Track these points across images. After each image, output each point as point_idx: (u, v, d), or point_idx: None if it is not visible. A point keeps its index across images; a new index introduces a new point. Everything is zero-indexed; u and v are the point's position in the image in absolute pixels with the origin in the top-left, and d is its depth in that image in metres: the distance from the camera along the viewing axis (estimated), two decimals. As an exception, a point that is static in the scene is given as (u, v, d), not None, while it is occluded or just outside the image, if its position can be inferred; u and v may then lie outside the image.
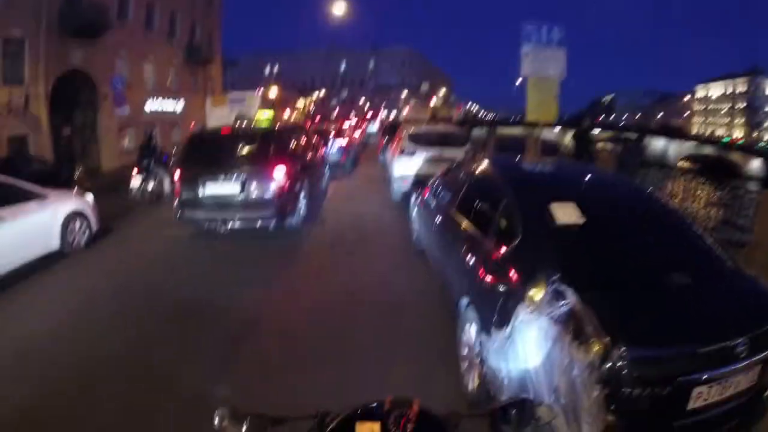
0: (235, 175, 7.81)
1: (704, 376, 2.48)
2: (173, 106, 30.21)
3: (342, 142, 17.89)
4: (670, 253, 3.37)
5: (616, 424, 2.38)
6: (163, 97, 29.11)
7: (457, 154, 10.46)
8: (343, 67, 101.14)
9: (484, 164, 5.06)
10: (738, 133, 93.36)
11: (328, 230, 8.83)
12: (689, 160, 64.37)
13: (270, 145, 8.19)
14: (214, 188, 7.86)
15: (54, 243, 7.36)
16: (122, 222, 10.01)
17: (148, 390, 3.81)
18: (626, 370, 2.37)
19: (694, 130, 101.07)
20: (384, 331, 4.72)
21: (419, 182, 7.83)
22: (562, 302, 2.64)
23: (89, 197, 8.67)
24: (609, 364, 2.36)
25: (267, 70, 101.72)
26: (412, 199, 7.58)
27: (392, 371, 3.90)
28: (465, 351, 3.82)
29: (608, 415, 2.37)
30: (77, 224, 7.98)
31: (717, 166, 60.29)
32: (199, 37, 34.28)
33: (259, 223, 7.87)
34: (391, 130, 19.46)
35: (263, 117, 10.89)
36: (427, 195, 6.42)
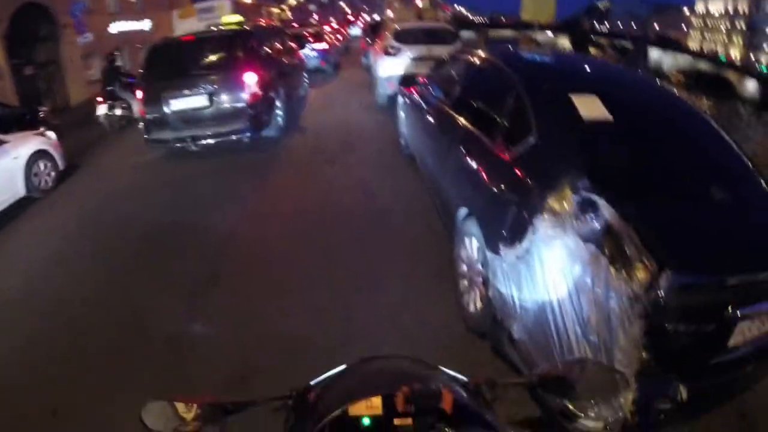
0: (201, 86, 7.01)
1: (753, 309, 2.03)
2: (140, 25, 28.25)
3: (322, 45, 16.72)
4: (708, 163, 2.81)
5: (652, 364, 1.94)
6: (128, 19, 27.15)
7: (446, 52, 9.70)
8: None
9: (483, 55, 4.36)
10: (735, 53, 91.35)
11: (308, 139, 8.15)
12: (684, 74, 63.30)
13: (239, 49, 7.32)
14: (180, 103, 7.07)
15: (19, 189, 6.82)
16: (90, 155, 9.32)
17: (129, 328, 3.61)
18: (674, 301, 1.89)
19: (692, 45, 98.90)
20: (371, 245, 4.33)
21: (407, 80, 7.10)
22: (594, 215, 2.09)
23: (51, 135, 8.06)
24: (655, 294, 1.87)
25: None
26: (399, 99, 6.94)
27: (381, 291, 3.58)
28: (464, 268, 3.32)
29: (645, 353, 1.92)
30: (41, 165, 7.37)
31: (712, 83, 59.44)
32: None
33: (232, 137, 7.17)
34: (374, 29, 18.26)
35: (231, 20, 9.89)
36: (415, 94, 5.75)
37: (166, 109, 7.13)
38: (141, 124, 7.51)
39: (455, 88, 4.50)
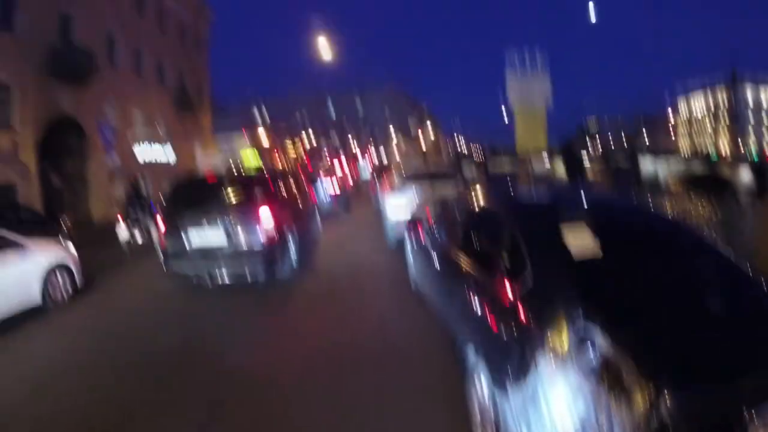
0: (220, 224, 7.51)
1: (753, 411, 2.14)
2: (164, 152, 30.07)
3: (334, 185, 17.70)
4: (698, 276, 3.08)
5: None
6: (153, 144, 29.01)
7: (449, 188, 10.29)
8: (330, 107, 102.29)
9: (481, 195, 4.82)
10: (725, 147, 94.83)
11: (321, 279, 8.47)
12: (680, 180, 64.99)
13: (257, 191, 7.89)
14: (200, 238, 7.55)
15: (34, 297, 7.02)
16: (108, 275, 9.75)
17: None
18: (674, 417, 2.06)
19: (681, 149, 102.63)
20: (384, 384, 4.38)
21: (413, 222, 7.51)
22: (591, 347, 2.31)
23: (72, 249, 8.48)
24: (655, 415, 2.05)
25: (257, 115, 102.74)
26: (406, 240, 7.31)
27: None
28: (476, 405, 3.45)
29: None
30: (59, 277, 7.67)
31: (709, 183, 60.94)
32: (188, 83, 34.53)
33: (248, 275, 7.54)
34: (381, 170, 19.38)
35: (251, 161, 10.65)
36: (422, 234, 6.14)
37: (185, 244, 7.57)
38: (160, 255, 7.89)
39: (457, 228, 4.86)
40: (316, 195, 13.48)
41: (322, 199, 16.21)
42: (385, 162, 32.93)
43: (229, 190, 8.08)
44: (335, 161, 27.99)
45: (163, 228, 7.95)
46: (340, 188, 18.41)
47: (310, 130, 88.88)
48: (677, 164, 65.22)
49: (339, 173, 20.67)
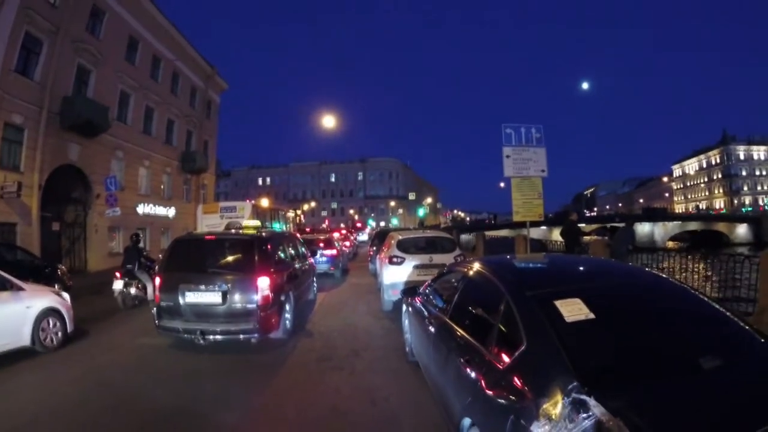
0: (217, 283, 7.42)
1: None
2: (165, 211, 30.31)
3: (331, 251, 17.70)
4: (694, 335, 3.11)
5: None
6: (156, 203, 29.29)
7: (447, 260, 10.32)
8: (332, 178, 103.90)
9: (476, 265, 4.80)
10: (719, 204, 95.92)
11: (316, 343, 8.28)
12: (677, 239, 65.27)
13: (256, 253, 7.82)
14: (195, 297, 7.45)
15: (24, 338, 7.17)
16: (99, 325, 9.75)
17: None
18: None
19: (677, 209, 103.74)
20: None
21: (407, 288, 7.48)
22: (585, 415, 2.27)
23: (66, 296, 8.52)
24: None
25: (260, 182, 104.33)
26: (403, 308, 7.25)
27: None
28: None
29: None
30: (51, 322, 7.81)
31: (706, 239, 61.21)
32: (195, 146, 35.29)
33: (240, 336, 7.43)
34: (379, 238, 19.39)
35: (251, 224, 10.68)
36: (418, 303, 6.09)
37: (180, 300, 7.47)
38: (154, 310, 7.78)
39: (453, 298, 4.82)
40: (314, 258, 13.44)
41: (320, 263, 16.22)
42: (383, 229, 33.13)
43: (229, 249, 8.11)
44: (335, 231, 28.04)
45: (158, 282, 7.91)
46: (338, 252, 18.37)
47: (313, 202, 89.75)
48: (674, 225, 65.75)
49: (337, 238, 20.58)
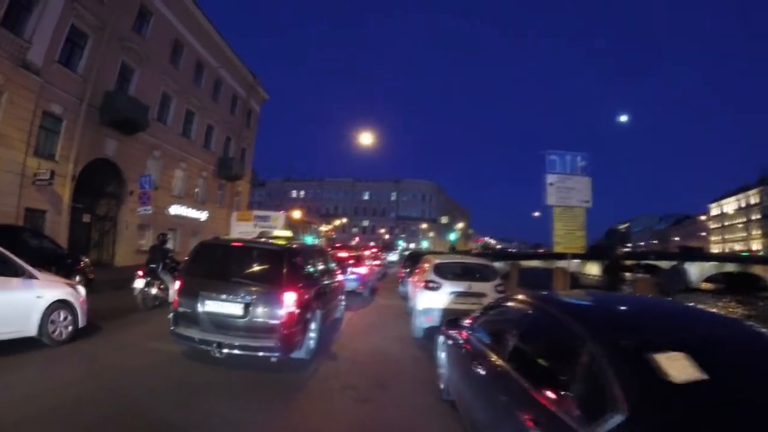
0: (240, 294, 6.80)
1: None
2: (197, 214, 30.33)
3: (361, 270, 17.04)
4: None
5: None
6: (188, 206, 29.36)
7: (487, 289, 9.63)
8: (365, 196, 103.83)
9: (544, 300, 4.11)
10: (756, 246, 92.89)
11: (340, 367, 7.56)
12: (712, 281, 63.05)
13: (284, 265, 7.17)
14: (215, 306, 6.84)
15: (31, 328, 6.95)
16: (114, 323, 9.39)
17: None
18: None
19: (713, 249, 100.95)
20: None
21: (448, 319, 6.79)
22: None
23: (81, 290, 8.19)
24: None
25: (293, 194, 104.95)
26: (439, 339, 6.55)
27: None
28: None
29: None
30: (62, 315, 7.51)
31: (741, 282, 58.99)
32: (233, 153, 35.46)
33: (260, 353, 6.74)
34: (411, 260, 18.69)
35: (282, 234, 10.10)
36: (461, 336, 5.39)
37: (199, 308, 6.89)
38: (171, 315, 7.21)
39: (511, 337, 4.08)
40: (344, 276, 12.77)
41: (349, 280, 15.61)
42: (417, 250, 32.53)
43: (255, 258, 7.50)
44: (366, 249, 27.47)
45: (178, 286, 7.37)
46: (369, 271, 17.70)
47: (344, 218, 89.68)
48: (710, 266, 63.66)
49: (368, 258, 19.93)
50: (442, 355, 6.24)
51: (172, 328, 7.13)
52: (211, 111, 31.76)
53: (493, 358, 4.17)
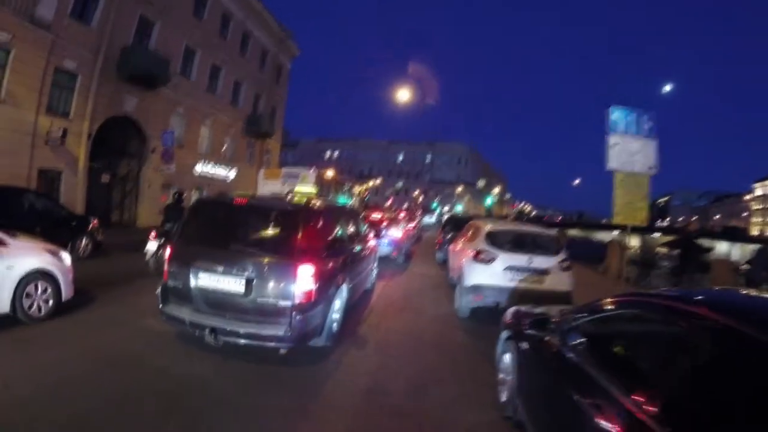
0: (241, 266, 5.26)
1: None
2: (225, 173, 29.19)
3: (396, 233, 15.37)
4: None
5: None
6: (216, 163, 28.20)
7: (550, 264, 7.94)
8: (400, 158, 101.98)
9: (683, 300, 2.60)
10: None
11: (368, 361, 5.97)
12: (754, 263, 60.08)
13: (300, 228, 5.53)
14: (210, 280, 5.34)
15: (2, 305, 5.84)
16: (112, 292, 8.14)
17: None
18: None
19: (754, 231, 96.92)
20: None
21: (517, 310, 5.17)
22: None
23: (65, 256, 6.90)
24: None
25: (326, 155, 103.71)
26: (503, 335, 4.95)
27: None
28: None
29: None
30: (39, 287, 6.36)
31: None
32: (262, 109, 34.01)
33: (267, 340, 5.18)
34: (452, 224, 16.98)
35: (304, 190, 8.42)
36: (541, 339, 3.77)
37: (192, 282, 5.43)
38: (159, 290, 5.77)
39: (630, 355, 2.79)
40: (377, 242, 11.08)
41: (382, 245, 14.05)
42: (462, 214, 31.06)
43: (263, 220, 5.85)
44: (401, 212, 25.82)
45: (168, 254, 5.87)
46: (404, 236, 16.03)
47: (379, 179, 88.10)
48: (753, 248, 60.88)
49: (403, 221, 18.25)
50: (506, 358, 4.64)
51: (160, 305, 5.68)
52: (238, 66, 30.20)
53: (600, 377, 2.74)
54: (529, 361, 3.99)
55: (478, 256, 8.11)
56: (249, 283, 5.20)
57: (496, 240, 8.31)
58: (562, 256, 8.19)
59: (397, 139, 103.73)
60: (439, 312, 8.90)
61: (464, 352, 6.60)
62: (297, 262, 5.23)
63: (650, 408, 2.20)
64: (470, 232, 9.86)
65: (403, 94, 21.89)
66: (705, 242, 54.65)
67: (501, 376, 4.78)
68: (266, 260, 5.29)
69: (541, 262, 7.90)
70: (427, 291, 11.07)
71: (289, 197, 7.19)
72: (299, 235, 5.44)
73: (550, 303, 7.49)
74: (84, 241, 11.96)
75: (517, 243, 8.33)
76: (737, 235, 69.01)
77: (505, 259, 7.96)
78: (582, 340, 3.28)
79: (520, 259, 7.92)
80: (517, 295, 7.68)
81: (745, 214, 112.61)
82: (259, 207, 6.22)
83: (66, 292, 6.73)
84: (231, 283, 5.26)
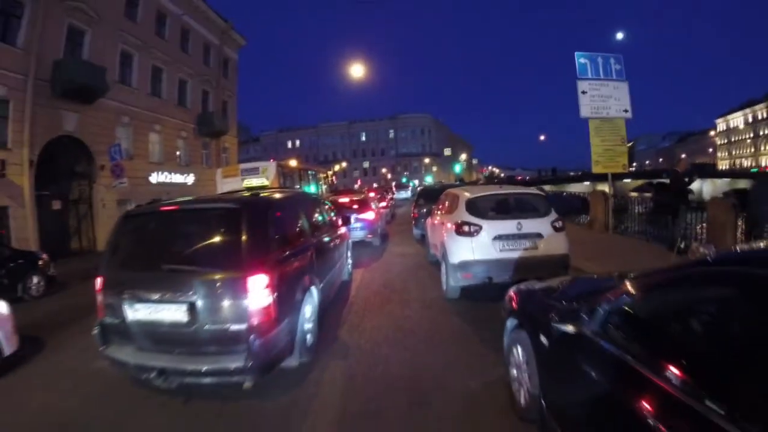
0: (179, 289, 4.25)
1: None
2: (183, 179, 27.82)
3: (368, 215, 14.40)
4: None
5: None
6: (171, 171, 26.77)
7: (541, 227, 7.13)
8: (363, 137, 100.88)
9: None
10: (766, 161, 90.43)
11: (353, 373, 5.06)
12: (726, 197, 61.01)
13: (243, 231, 4.45)
14: (145, 311, 4.36)
15: None
16: (62, 334, 7.26)
17: None
18: None
19: (720, 166, 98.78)
20: None
21: (525, 288, 4.31)
22: None
23: (2, 307, 5.99)
24: None
25: (289, 145, 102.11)
26: (509, 324, 4.10)
27: None
28: None
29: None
30: None
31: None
32: (213, 107, 32.45)
33: (227, 379, 4.24)
34: (425, 197, 16.08)
35: (254, 184, 7.37)
36: (567, 328, 2.91)
37: (128, 316, 4.45)
38: (96, 329, 4.76)
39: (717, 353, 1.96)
40: (348, 226, 10.06)
41: (355, 229, 13.13)
42: (436, 184, 30.28)
43: (198, 229, 4.75)
44: (371, 192, 24.89)
45: (99, 285, 4.83)
46: (377, 216, 15.05)
47: (343, 161, 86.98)
48: (722, 183, 61.89)
49: (374, 200, 17.28)
50: (518, 352, 3.80)
51: (100, 348, 4.69)
52: (181, 64, 28.56)
53: (633, 372, 2.25)
54: (557, 361, 3.12)
55: (460, 229, 7.21)
56: (192, 308, 4.21)
57: (478, 208, 7.40)
58: (553, 215, 7.36)
59: (358, 119, 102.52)
60: (426, 296, 8.03)
61: (463, 344, 5.70)
62: (246, 273, 4.23)
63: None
64: (447, 203, 8.97)
65: (358, 67, 21.49)
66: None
67: (513, 372, 3.93)
68: (208, 277, 4.28)
69: (531, 225, 7.07)
70: (410, 273, 10.16)
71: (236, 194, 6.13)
72: (245, 239, 4.41)
73: (547, 269, 6.78)
74: (35, 279, 10.75)
75: (502, 208, 7.46)
76: (706, 171, 69.76)
77: (491, 228, 7.08)
78: (635, 331, 2.44)
79: (509, 226, 7.06)
80: (511, 267, 6.87)
81: (710, 150, 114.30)
82: (192, 211, 5.08)
83: (6, 348, 5.77)
84: (171, 312, 4.26)
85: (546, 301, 3.52)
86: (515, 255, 6.91)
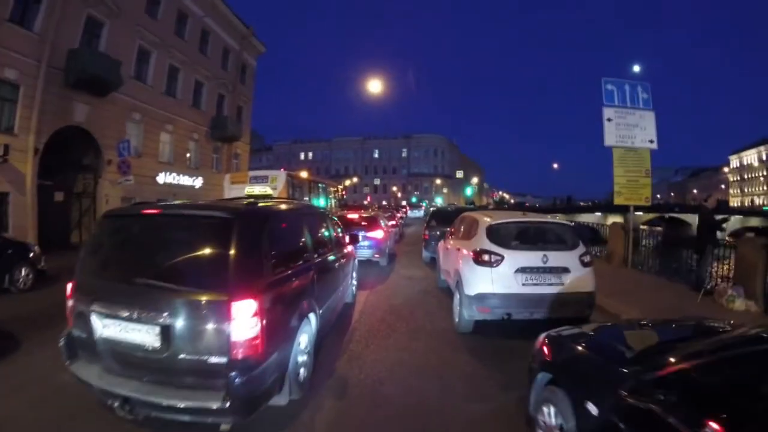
0: (152, 310, 3.59)
1: None
2: (191, 181, 27.36)
3: (377, 234, 13.74)
4: None
5: None
6: (179, 172, 26.32)
7: (568, 261, 6.47)
8: (375, 154, 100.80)
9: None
10: None
11: (348, 412, 4.41)
12: (735, 235, 60.11)
13: (233, 246, 3.75)
14: (115, 328, 3.72)
15: None
16: (41, 334, 6.42)
17: None
18: None
19: (732, 203, 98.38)
20: None
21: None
22: None
23: None
24: None
25: (302, 156, 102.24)
26: (539, 378, 3.44)
27: None
28: None
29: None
30: None
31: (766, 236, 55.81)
32: (227, 112, 32.11)
33: (200, 419, 3.57)
34: (438, 218, 15.45)
35: (255, 192, 6.73)
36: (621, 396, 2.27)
37: (96, 331, 3.81)
38: (62, 340, 4.09)
39: None
40: (355, 245, 9.36)
41: (362, 248, 12.46)
42: (450, 206, 29.78)
43: (181, 239, 4.06)
44: (379, 209, 24.33)
45: (70, 290, 4.19)
46: (385, 235, 14.37)
47: (355, 178, 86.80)
48: (734, 221, 61.15)
49: (383, 219, 16.64)
50: (550, 413, 3.14)
51: (66, 362, 4.03)
52: (198, 66, 28.27)
53: None
54: (583, 408, 2.48)
55: (479, 258, 6.53)
56: (165, 332, 3.55)
57: (500, 235, 6.73)
58: (581, 249, 6.69)
59: (372, 135, 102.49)
60: (436, 327, 7.34)
61: (477, 387, 5.02)
62: (231, 296, 3.55)
63: None
64: (463, 227, 8.31)
65: (376, 83, 21.06)
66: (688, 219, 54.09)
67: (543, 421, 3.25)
68: (186, 297, 3.61)
69: (558, 259, 6.41)
70: (418, 299, 9.49)
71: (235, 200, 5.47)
72: (234, 254, 3.72)
73: (572, 308, 6.14)
74: (24, 272, 10.17)
75: (525, 237, 6.80)
76: (721, 208, 69.09)
77: (514, 259, 6.42)
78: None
79: (533, 258, 6.40)
80: (533, 303, 6.22)
81: (722, 187, 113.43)
82: (177, 217, 4.36)
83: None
84: (142, 334, 3.62)
85: (597, 360, 2.86)
86: (539, 290, 6.25)
